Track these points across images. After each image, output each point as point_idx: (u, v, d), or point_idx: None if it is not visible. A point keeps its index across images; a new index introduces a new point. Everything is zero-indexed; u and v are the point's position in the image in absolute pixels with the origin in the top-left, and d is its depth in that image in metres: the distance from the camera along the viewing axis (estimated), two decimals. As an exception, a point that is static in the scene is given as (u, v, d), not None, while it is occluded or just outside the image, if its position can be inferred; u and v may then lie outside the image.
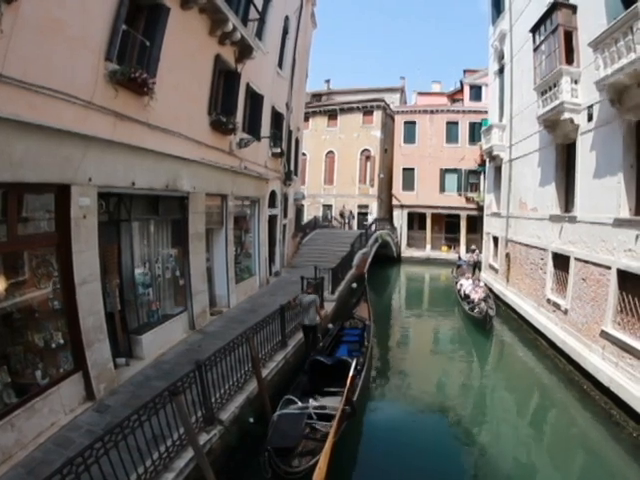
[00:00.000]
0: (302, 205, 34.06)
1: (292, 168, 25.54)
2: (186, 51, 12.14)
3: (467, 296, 21.06)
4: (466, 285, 22.22)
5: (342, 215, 39.91)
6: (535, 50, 16.59)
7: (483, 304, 18.80)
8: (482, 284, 22.32)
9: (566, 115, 13.94)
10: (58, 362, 7.96)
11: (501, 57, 24.26)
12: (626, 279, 10.80)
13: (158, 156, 10.99)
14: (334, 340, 13.51)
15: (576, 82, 14.00)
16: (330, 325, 14.70)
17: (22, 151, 6.89)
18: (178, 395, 6.47)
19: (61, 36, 7.59)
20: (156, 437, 6.30)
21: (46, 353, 7.72)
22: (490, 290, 22.31)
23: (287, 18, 22.20)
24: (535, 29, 16.42)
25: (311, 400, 9.29)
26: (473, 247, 30.70)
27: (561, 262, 14.82)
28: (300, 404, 9.08)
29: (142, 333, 10.60)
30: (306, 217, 38.52)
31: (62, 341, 7.99)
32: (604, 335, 11.35)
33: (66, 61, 7.76)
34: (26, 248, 7.64)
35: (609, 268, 11.44)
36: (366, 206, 41.83)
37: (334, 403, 9.02)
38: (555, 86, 14.53)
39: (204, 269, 13.92)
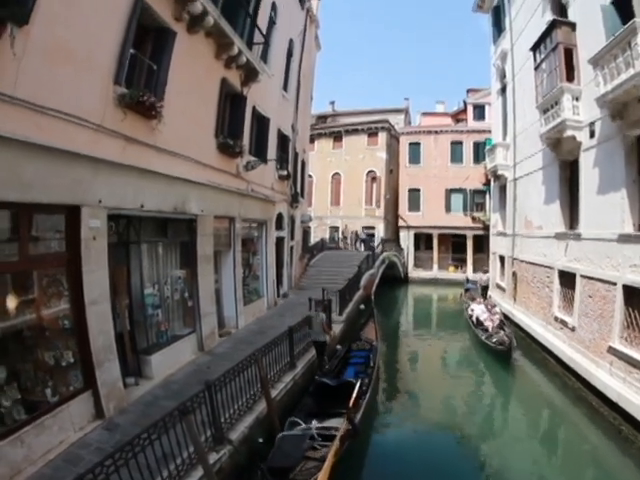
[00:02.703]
0: (309, 227, 34.28)
1: (298, 190, 25.69)
2: (193, 74, 12.36)
3: (480, 322, 19.60)
4: (478, 310, 20.62)
5: (345, 237, 40.11)
6: (536, 68, 16.81)
7: (502, 333, 17.41)
8: (497, 309, 20.82)
9: (568, 132, 14.10)
10: (68, 380, 8.03)
11: (503, 76, 24.51)
12: (632, 295, 10.83)
13: (166, 179, 11.14)
14: (341, 362, 13.50)
15: (577, 99, 14.16)
16: (338, 347, 14.70)
17: (32, 172, 7.03)
18: (188, 414, 6.52)
19: (70, 59, 7.77)
20: (166, 455, 6.33)
21: (56, 371, 7.79)
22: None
23: (291, 41, 22.55)
24: (535, 47, 16.66)
25: (314, 421, 9.26)
26: (485, 268, 29.25)
27: (567, 280, 14.82)
28: (303, 425, 9.12)
29: (151, 353, 10.68)
30: (313, 239, 38.68)
31: (72, 360, 8.07)
32: (611, 351, 11.34)
33: (75, 84, 7.94)
34: (37, 267, 7.77)
35: (615, 284, 11.46)
36: (373, 227, 41.93)
37: (338, 424, 9.03)
38: (557, 104, 14.70)
39: (212, 291, 13.98)
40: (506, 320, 19.63)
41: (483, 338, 17.71)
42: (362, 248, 36.06)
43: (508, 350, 15.78)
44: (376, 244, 36.07)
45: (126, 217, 10.20)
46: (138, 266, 10.96)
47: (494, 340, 16.78)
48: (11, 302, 7.21)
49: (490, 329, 18.20)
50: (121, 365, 9.18)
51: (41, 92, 7.11)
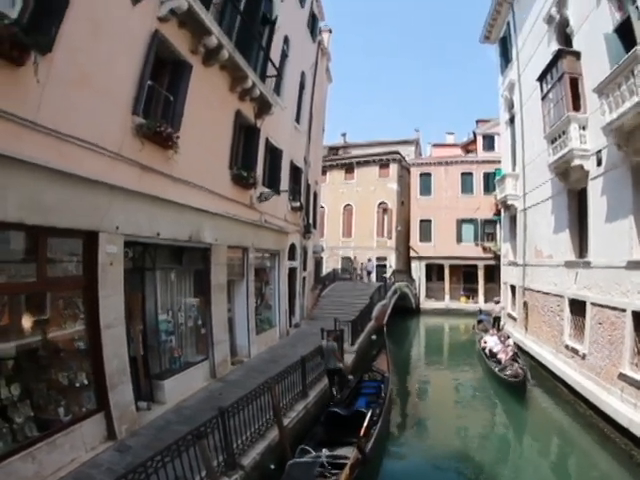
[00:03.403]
0: (321, 258, 34.31)
1: (311, 221, 25.94)
2: (208, 106, 12.72)
3: (493, 354, 19.11)
4: (491, 342, 20.13)
5: (355, 268, 39.78)
6: (543, 99, 17.05)
7: (516, 365, 16.76)
8: (511, 341, 19.89)
9: (576, 162, 14.23)
10: (81, 401, 8.16)
11: (511, 106, 24.78)
12: (642, 320, 10.84)
13: (181, 208, 11.39)
14: (353, 392, 13.50)
15: (584, 128, 14.31)
16: (350, 377, 14.70)
17: (52, 197, 7.30)
18: (202, 439, 6.63)
19: (91, 89, 8.10)
20: (178, 479, 6.40)
21: (70, 391, 7.93)
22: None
23: (303, 74, 23.11)
24: (542, 78, 16.94)
25: (325, 450, 9.22)
26: (497, 298, 28.03)
27: (578, 308, 14.78)
28: (314, 453, 9.09)
29: (164, 378, 10.80)
30: (325, 269, 38.75)
31: (86, 381, 8.22)
32: (622, 377, 11.26)
33: (95, 113, 8.25)
34: (54, 289, 8.01)
35: (624, 311, 11.44)
36: (384, 258, 42.02)
37: (348, 453, 9.03)
38: (564, 133, 14.87)
39: (225, 319, 14.12)
40: (519, 351, 19.29)
41: (496, 370, 17.30)
42: (366, 279, 35.75)
43: (522, 383, 15.36)
44: (388, 275, 36.15)
45: (142, 244, 10.43)
46: (153, 292, 11.18)
47: (507, 373, 16.39)
48: (27, 321, 7.44)
49: (503, 361, 17.80)
50: (134, 389, 9.29)
51: (62, 119, 7.41)
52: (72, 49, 7.54)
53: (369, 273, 36.15)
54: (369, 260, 37.65)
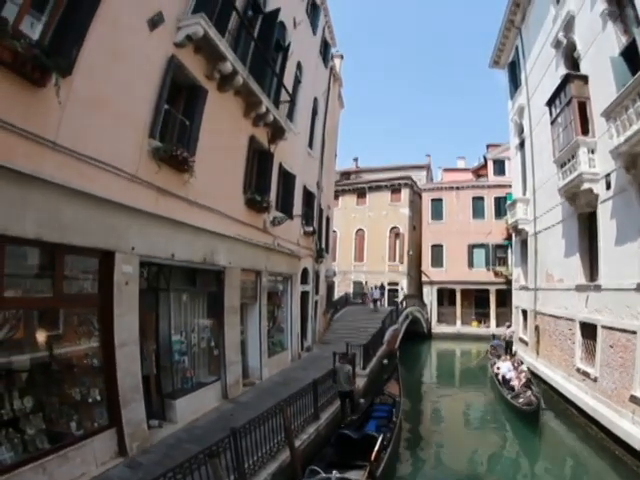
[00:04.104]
0: (333, 282, 34.32)
1: (323, 246, 26.09)
2: (223, 131, 13.00)
3: (506, 381, 18.47)
4: (504, 368, 19.53)
5: (364, 294, 38.98)
6: (552, 123, 17.22)
7: (529, 392, 16.14)
8: (524, 367, 19.50)
9: (585, 185, 14.31)
10: (93, 416, 8.27)
11: (521, 131, 24.92)
12: (652, 343, 10.81)
13: (196, 231, 11.60)
14: (364, 415, 13.49)
15: (593, 152, 14.42)
16: (361, 400, 14.71)
17: (71, 216, 7.54)
18: (214, 457, 6.72)
19: (109, 111, 8.40)
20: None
21: (82, 406, 8.04)
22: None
23: (316, 99, 23.52)
24: (551, 102, 17.13)
25: (335, 471, 9.15)
26: (508, 323, 28.01)
27: (589, 331, 14.73)
28: (323, 474, 9.06)
29: (176, 398, 10.86)
30: (337, 294, 38.76)
31: (99, 397, 8.32)
32: (633, 400, 11.20)
33: (113, 135, 8.54)
34: (69, 306, 8.19)
35: (634, 333, 11.43)
36: (396, 283, 42.05)
37: (357, 476, 9.05)
38: (573, 157, 14.99)
39: (238, 341, 14.20)
40: (532, 375, 19.00)
41: (509, 397, 16.77)
42: (372, 307, 33.43)
43: (535, 412, 14.78)
44: (399, 299, 36.15)
45: (157, 265, 10.63)
46: (167, 313, 11.33)
47: (520, 400, 15.86)
48: (42, 336, 7.62)
49: (517, 388, 17.24)
50: (146, 407, 9.37)
51: (81, 140, 7.69)
52: (91, 72, 7.84)
53: (375, 301, 34.03)
54: (374, 287, 36.50)
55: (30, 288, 7.42)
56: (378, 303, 34.31)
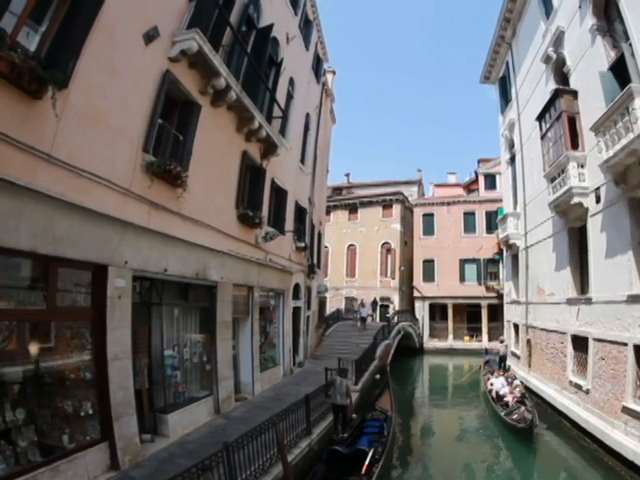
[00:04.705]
0: (325, 297, 34.26)
1: (315, 261, 26.10)
2: (216, 146, 13.09)
3: (500, 396, 18.20)
4: (497, 384, 19.22)
5: (355, 311, 36.56)
6: (542, 138, 17.46)
7: (523, 408, 15.99)
8: (518, 382, 19.23)
9: (575, 200, 14.46)
10: (85, 429, 8.21)
11: (511, 146, 25.19)
12: (643, 353, 10.91)
13: (189, 245, 11.58)
14: (355, 430, 13.42)
15: (582, 166, 14.61)
16: (353, 415, 14.65)
17: (65, 228, 7.54)
18: (207, 471, 6.72)
19: (104, 125, 8.45)
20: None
21: (74, 419, 8.00)
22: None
23: (308, 115, 23.68)
24: (541, 117, 17.40)
25: None
26: (502, 338, 27.00)
27: (580, 344, 14.81)
28: None
29: (168, 412, 10.79)
30: (329, 309, 38.76)
31: (91, 411, 8.27)
32: (626, 411, 11.27)
33: (107, 149, 8.58)
34: (62, 318, 8.18)
35: (626, 345, 11.52)
36: (388, 298, 42.07)
37: None
38: (563, 172, 15.18)
39: (230, 356, 14.13)
40: (526, 391, 18.80)
41: (502, 414, 16.49)
42: (360, 325, 31.28)
43: (529, 428, 14.42)
44: (390, 314, 36.11)
45: (149, 279, 10.62)
46: (159, 327, 11.29)
47: (514, 417, 15.62)
48: (34, 348, 7.58)
49: (510, 404, 17.03)
50: (138, 421, 9.31)
51: (76, 153, 7.73)
52: (87, 85, 7.92)
53: (363, 320, 31.76)
54: (362, 305, 34.55)
55: (24, 300, 7.41)
56: (369, 319, 33.56)
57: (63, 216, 7.50)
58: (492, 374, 22.12)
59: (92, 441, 8.24)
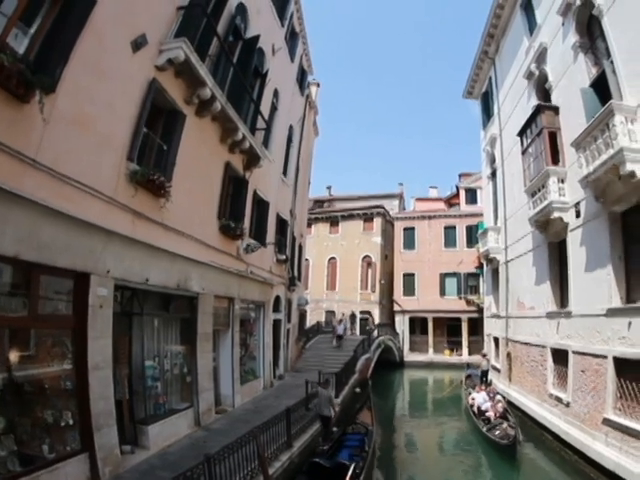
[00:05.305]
0: (305, 310, 34.13)
1: (296, 274, 26.08)
2: (199, 157, 13.06)
3: (481, 412, 17.89)
4: (479, 399, 18.88)
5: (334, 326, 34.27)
6: (523, 153, 17.70)
7: (505, 424, 15.61)
8: (500, 397, 18.87)
9: (555, 214, 14.68)
10: (65, 440, 8.07)
11: (493, 161, 25.51)
12: (622, 366, 11.05)
13: (171, 256, 11.52)
14: (336, 444, 13.38)
15: (563, 181, 14.84)
16: (334, 429, 14.60)
17: (48, 235, 7.47)
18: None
19: (89, 132, 8.39)
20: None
21: (54, 429, 7.86)
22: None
23: (291, 127, 23.79)
24: (522, 132, 17.64)
25: None
26: (484, 352, 26.39)
27: (560, 357, 14.96)
28: None
29: (149, 424, 10.65)
30: (309, 322, 38.65)
31: (71, 421, 8.14)
32: (606, 422, 11.41)
33: (92, 156, 8.51)
34: (43, 326, 8.05)
35: (605, 357, 11.68)
36: (368, 312, 42.16)
37: None
38: (543, 187, 15.40)
39: (211, 368, 14.05)
40: (507, 404, 18.48)
41: (484, 430, 16.19)
42: (335, 343, 30.29)
43: (512, 445, 14.04)
44: (369, 327, 36.20)
45: (131, 289, 10.51)
46: (140, 337, 11.14)
47: (497, 433, 15.27)
48: (14, 355, 7.44)
49: (492, 419, 16.74)
50: (118, 432, 9.18)
51: (61, 159, 7.66)
52: (74, 90, 7.88)
53: (339, 337, 30.61)
54: (339, 322, 33.15)
55: (4, 306, 7.27)
56: (348, 333, 33.30)
57: (47, 222, 7.43)
58: (473, 388, 21.98)
59: (72, 452, 8.10)
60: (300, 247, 28.61)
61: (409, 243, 43.10)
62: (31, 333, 7.90)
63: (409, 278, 42.46)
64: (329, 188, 55.44)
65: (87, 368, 8.38)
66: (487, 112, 26.40)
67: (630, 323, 10.74)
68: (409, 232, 43.28)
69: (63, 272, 8.16)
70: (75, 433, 8.27)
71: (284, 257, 22.41)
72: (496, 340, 24.47)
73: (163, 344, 12.21)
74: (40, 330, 8.02)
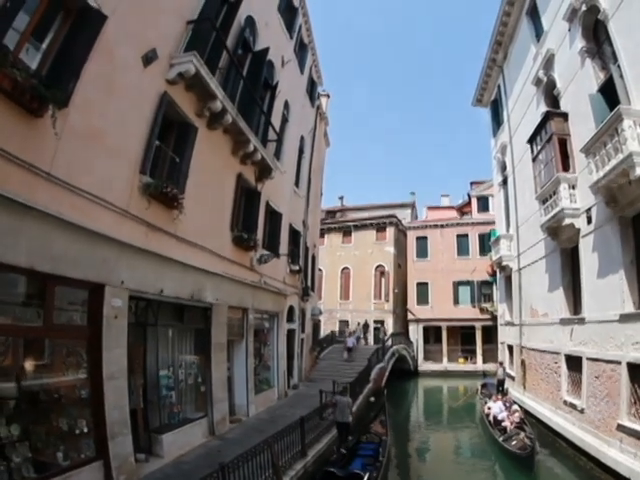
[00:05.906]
0: (319, 320, 34.13)
1: (309, 284, 26.19)
2: (211, 169, 13.21)
3: (497, 421, 17.38)
4: (495, 408, 18.36)
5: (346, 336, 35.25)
6: (534, 160, 17.66)
7: (522, 435, 14.99)
8: (517, 406, 18.51)
9: (567, 221, 14.61)
10: (80, 447, 8.17)
11: (504, 168, 25.40)
12: (636, 371, 10.95)
13: (184, 267, 11.65)
14: (349, 453, 13.35)
15: (574, 187, 14.77)
16: (349, 437, 14.59)
17: (63, 247, 7.62)
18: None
19: (102, 146, 8.58)
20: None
21: (69, 437, 7.97)
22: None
23: (302, 138, 23.95)
24: (532, 139, 17.60)
25: None
26: (500, 360, 25.73)
27: (574, 363, 14.85)
28: None
29: (163, 433, 10.77)
30: (323, 332, 38.55)
31: (86, 429, 8.24)
32: (621, 428, 11.29)
33: (105, 169, 8.69)
34: (58, 336, 8.21)
35: (619, 363, 11.56)
36: (382, 321, 42.05)
37: None
38: (554, 194, 15.32)
39: (225, 378, 14.13)
40: (526, 415, 18.14)
41: (500, 440, 15.61)
42: (346, 356, 29.51)
43: (530, 456, 13.44)
44: (382, 337, 36.07)
45: (145, 300, 10.65)
46: (154, 348, 11.31)
47: (513, 443, 14.68)
48: (30, 365, 7.62)
49: (509, 429, 16.19)
50: (133, 441, 9.27)
51: (75, 172, 7.83)
52: (86, 105, 8.06)
53: (349, 350, 30.02)
54: (350, 334, 33.60)
55: (20, 316, 7.43)
56: (362, 342, 33.24)
57: (61, 234, 7.57)
58: (489, 398, 21.61)
59: (87, 459, 8.20)
60: (313, 257, 28.70)
61: (422, 252, 42.96)
62: (46, 343, 8.05)
63: (422, 287, 42.29)
64: (341, 198, 55.48)
65: (102, 377, 8.49)
66: (497, 120, 26.32)
67: (643, 328, 10.68)
68: (422, 241, 43.18)
69: (77, 283, 8.30)
70: (90, 441, 8.37)
71: (297, 267, 22.51)
72: (510, 348, 24.27)
73: (177, 354, 12.35)
74: (55, 340, 8.17)
